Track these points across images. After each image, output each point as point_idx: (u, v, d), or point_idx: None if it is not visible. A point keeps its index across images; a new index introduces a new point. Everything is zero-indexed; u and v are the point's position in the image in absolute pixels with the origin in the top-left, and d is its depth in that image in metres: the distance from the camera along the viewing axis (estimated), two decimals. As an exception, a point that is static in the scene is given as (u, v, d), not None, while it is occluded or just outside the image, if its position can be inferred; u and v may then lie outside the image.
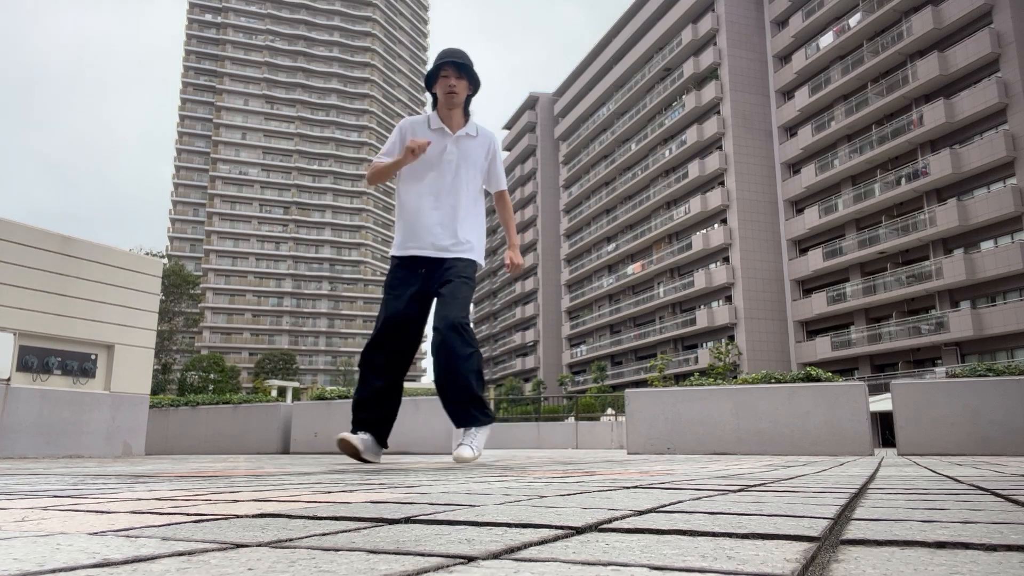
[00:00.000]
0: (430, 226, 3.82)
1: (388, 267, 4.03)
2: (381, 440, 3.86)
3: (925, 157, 34.42)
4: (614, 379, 53.89)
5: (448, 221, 3.83)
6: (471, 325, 3.73)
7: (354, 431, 3.80)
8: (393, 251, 3.95)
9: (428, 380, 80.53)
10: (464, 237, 3.86)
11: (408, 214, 3.89)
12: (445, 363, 3.60)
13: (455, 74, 3.83)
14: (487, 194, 4.20)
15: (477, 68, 4.12)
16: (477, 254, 3.91)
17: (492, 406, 4.15)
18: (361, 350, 3.98)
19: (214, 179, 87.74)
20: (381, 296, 3.94)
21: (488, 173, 4.03)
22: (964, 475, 2.31)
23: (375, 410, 3.83)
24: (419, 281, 3.82)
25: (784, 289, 42.75)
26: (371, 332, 4.25)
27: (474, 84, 3.91)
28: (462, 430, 3.66)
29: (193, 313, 63.44)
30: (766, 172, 45.07)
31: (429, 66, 4.00)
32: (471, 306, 3.88)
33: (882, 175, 36.72)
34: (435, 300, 3.79)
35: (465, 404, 3.64)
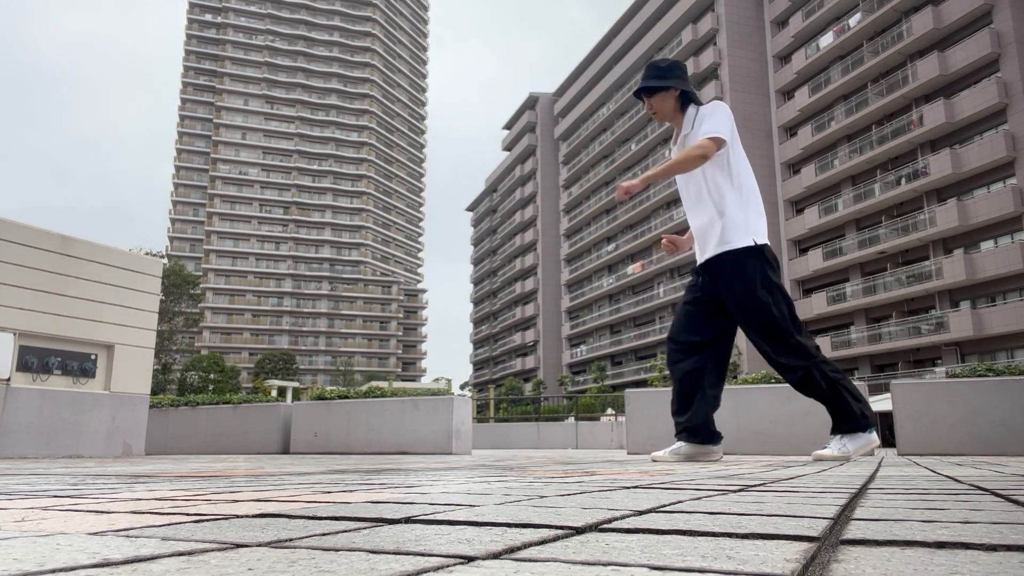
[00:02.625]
0: (695, 238, 4.00)
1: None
2: (697, 438, 3.96)
3: (925, 157, 34.42)
4: (614, 379, 53.91)
5: (702, 228, 3.91)
6: (791, 339, 3.70)
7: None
8: None
9: (428, 380, 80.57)
10: (717, 232, 3.80)
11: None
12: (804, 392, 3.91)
13: (647, 98, 4.01)
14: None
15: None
16: (739, 235, 3.72)
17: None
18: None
19: (214, 179, 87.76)
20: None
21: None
22: (964, 475, 2.31)
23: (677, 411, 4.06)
24: (700, 285, 3.97)
25: (784, 289, 42.73)
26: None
27: (675, 87, 3.95)
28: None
29: (193, 313, 63.48)
30: (766, 172, 45.07)
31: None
32: (771, 321, 3.69)
33: (882, 175, 36.72)
34: (739, 323, 3.90)
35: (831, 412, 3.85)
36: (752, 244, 3.70)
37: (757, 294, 3.68)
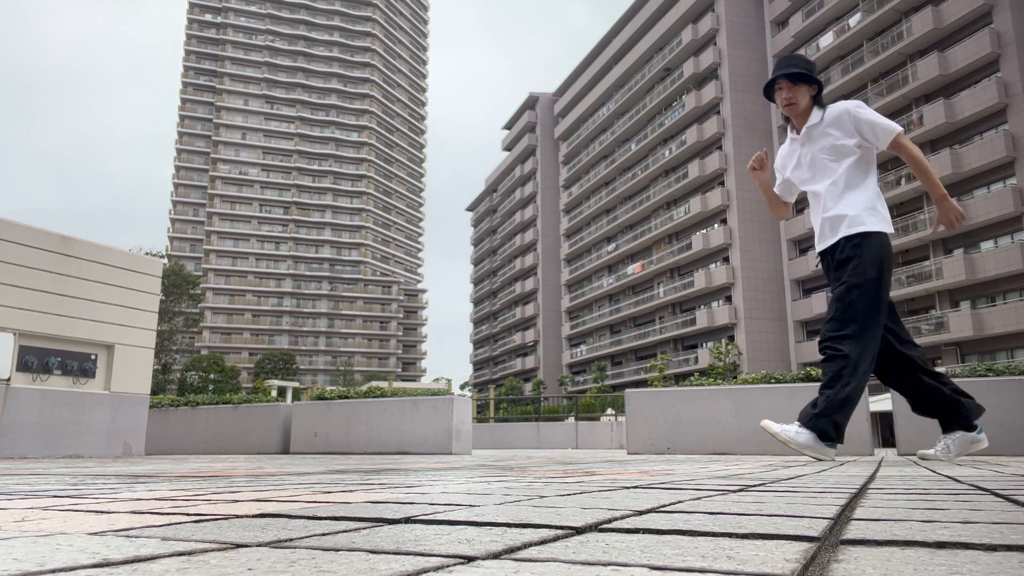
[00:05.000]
0: (818, 226, 3.94)
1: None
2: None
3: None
4: (614, 379, 53.91)
5: (826, 216, 3.88)
6: (841, 331, 3.62)
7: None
8: None
9: (428, 380, 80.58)
10: (837, 215, 3.79)
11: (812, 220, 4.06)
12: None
13: (788, 85, 3.91)
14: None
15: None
16: (861, 222, 3.72)
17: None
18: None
19: (214, 179, 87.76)
20: None
21: (864, 137, 3.81)
22: (964, 475, 2.31)
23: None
24: (829, 275, 3.93)
25: (784, 289, 42.75)
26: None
27: (814, 83, 3.93)
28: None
29: (193, 313, 63.46)
30: (766, 172, 45.08)
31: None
32: (847, 303, 3.64)
33: (882, 175, 36.71)
34: None
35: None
36: (877, 230, 3.77)
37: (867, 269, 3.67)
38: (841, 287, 3.67)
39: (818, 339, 3.78)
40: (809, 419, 3.63)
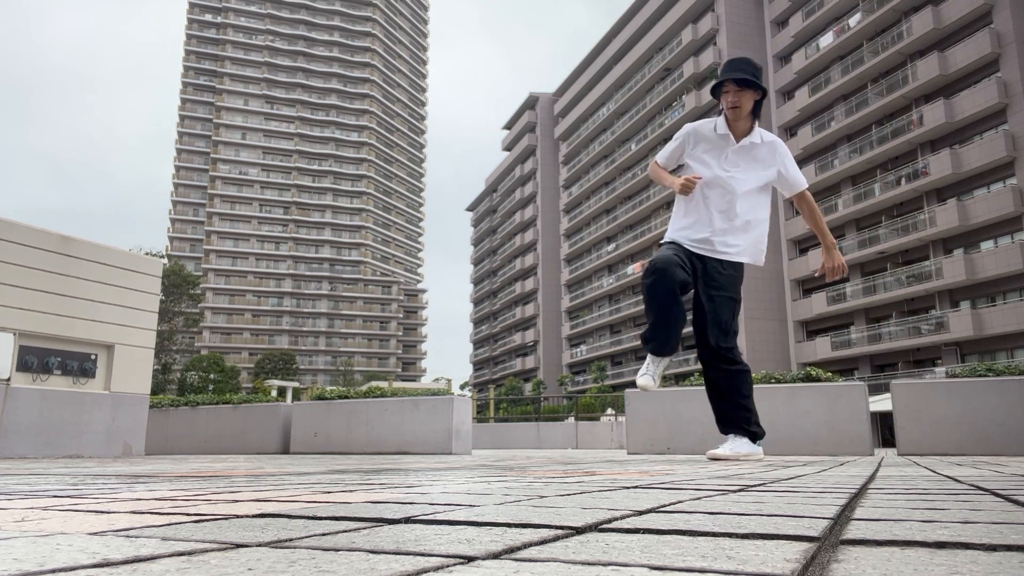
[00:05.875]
0: (707, 230, 4.06)
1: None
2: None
3: (925, 157, 34.41)
4: (614, 379, 53.92)
5: (725, 225, 4.02)
6: (735, 344, 4.16)
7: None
8: (670, 236, 4.19)
9: (428, 380, 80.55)
10: (735, 241, 4.05)
11: (690, 212, 4.13)
12: (714, 378, 4.14)
13: (735, 89, 3.95)
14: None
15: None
16: (749, 255, 4.12)
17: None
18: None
19: (214, 179, 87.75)
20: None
21: (780, 177, 4.10)
22: (964, 475, 2.31)
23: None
24: (691, 260, 4.07)
25: (784, 289, 42.73)
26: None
27: (760, 90, 3.99)
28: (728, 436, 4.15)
29: (193, 313, 63.43)
30: (766, 172, 45.04)
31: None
32: (732, 316, 4.18)
33: (882, 175, 36.71)
34: (704, 305, 4.12)
35: (729, 413, 4.15)
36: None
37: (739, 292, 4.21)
38: (727, 300, 4.08)
39: (710, 341, 4.11)
40: (745, 429, 4.09)
